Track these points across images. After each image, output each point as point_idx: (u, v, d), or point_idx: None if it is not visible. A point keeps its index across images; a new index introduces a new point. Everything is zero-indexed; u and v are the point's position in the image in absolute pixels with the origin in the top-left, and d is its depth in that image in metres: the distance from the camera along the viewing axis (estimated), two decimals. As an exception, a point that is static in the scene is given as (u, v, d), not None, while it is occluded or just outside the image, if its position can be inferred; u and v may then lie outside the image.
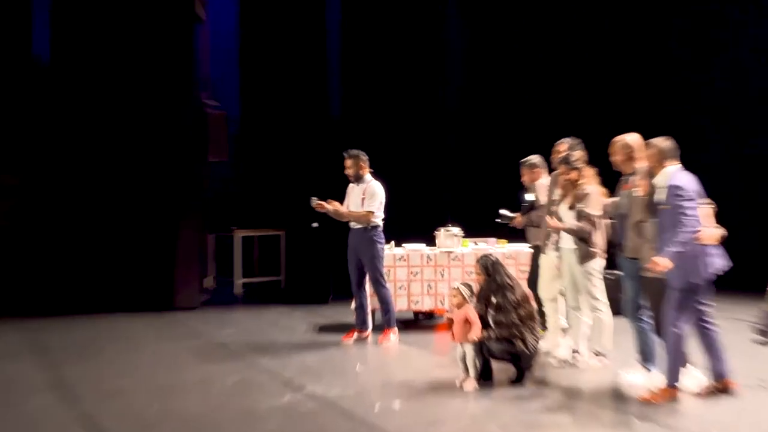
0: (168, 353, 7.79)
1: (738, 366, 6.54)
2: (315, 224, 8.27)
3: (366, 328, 8.30)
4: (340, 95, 12.74)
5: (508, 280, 6.47)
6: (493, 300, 6.44)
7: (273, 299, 11.16)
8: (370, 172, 8.27)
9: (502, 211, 7.80)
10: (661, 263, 5.54)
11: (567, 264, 7.00)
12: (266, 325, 9.26)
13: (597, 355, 6.96)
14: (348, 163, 8.21)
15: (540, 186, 7.72)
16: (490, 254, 6.68)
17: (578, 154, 7.04)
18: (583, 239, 6.81)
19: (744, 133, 12.26)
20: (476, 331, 6.36)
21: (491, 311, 6.45)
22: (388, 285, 8.23)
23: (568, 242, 6.95)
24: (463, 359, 6.48)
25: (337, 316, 9.69)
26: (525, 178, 7.82)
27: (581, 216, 6.82)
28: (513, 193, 8.17)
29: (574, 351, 7.12)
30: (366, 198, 8.10)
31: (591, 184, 6.92)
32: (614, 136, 6.59)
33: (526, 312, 6.41)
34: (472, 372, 6.40)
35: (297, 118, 12.01)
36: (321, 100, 12.16)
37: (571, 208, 6.88)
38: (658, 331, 6.03)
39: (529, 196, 7.70)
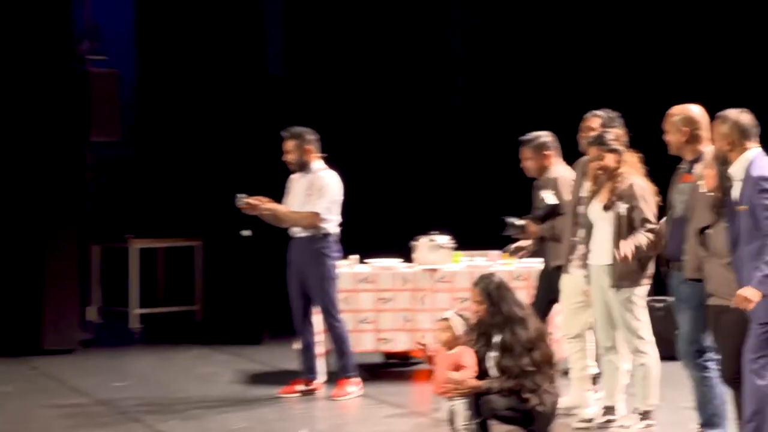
0: (29, 417, 7.69)
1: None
2: (246, 232, 8.23)
3: (314, 378, 8.33)
4: (283, 48, 12.72)
5: (519, 311, 6.53)
6: (497, 338, 6.48)
7: (185, 337, 11.22)
8: (322, 159, 8.23)
9: (510, 219, 7.69)
10: (749, 296, 5.48)
11: (599, 288, 6.94)
12: (174, 374, 9.27)
13: (640, 415, 6.91)
14: (288, 145, 8.20)
15: (561, 180, 7.69)
16: (493, 274, 6.73)
17: (616, 133, 7.00)
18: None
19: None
20: (471, 382, 6.36)
21: (493, 353, 6.49)
22: (342, 317, 8.25)
23: (600, 257, 6.89)
24: (452, 420, 6.48)
25: (274, 360, 9.72)
26: (529, 164, 7.81)
27: (635, 221, 6.76)
28: (524, 189, 8.10)
29: (607, 408, 7.09)
30: (312, 194, 8.10)
31: (634, 174, 6.87)
32: (667, 108, 6.54)
33: (542, 355, 6.46)
34: None
35: (219, 78, 12.02)
36: (255, 52, 12.21)
37: (607, 208, 6.83)
38: (730, 381, 5.97)
39: (547, 196, 7.64)
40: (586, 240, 7.05)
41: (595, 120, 7.39)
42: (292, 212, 8.12)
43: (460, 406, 6.41)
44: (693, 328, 6.30)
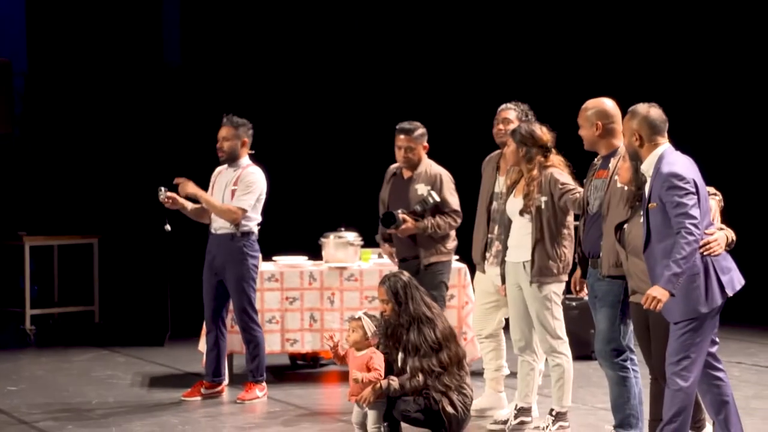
0: None
1: None
2: (168, 227, 8.11)
3: (220, 381, 8.28)
4: (180, 36, 12.64)
5: (426, 311, 6.53)
6: (404, 338, 6.47)
7: (82, 339, 11.16)
8: (250, 155, 8.20)
9: (398, 213, 7.59)
10: (658, 295, 5.46)
11: (515, 286, 6.91)
12: (71, 378, 9.18)
13: (555, 417, 6.91)
14: (226, 132, 8.10)
15: (446, 177, 7.71)
16: (402, 273, 6.72)
17: (538, 126, 6.97)
18: (556, 248, 6.79)
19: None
20: (377, 384, 6.37)
21: (402, 355, 6.49)
22: (258, 319, 8.22)
23: (518, 253, 6.85)
24: (362, 425, 6.50)
25: (178, 362, 9.70)
26: (405, 156, 7.71)
27: (560, 208, 6.75)
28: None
29: (522, 410, 7.11)
30: (239, 189, 8.02)
31: (553, 167, 6.85)
32: (579, 101, 6.55)
33: (450, 355, 6.47)
34: None
35: (114, 68, 11.96)
36: (151, 41, 12.18)
37: (526, 204, 6.77)
38: (663, 378, 5.96)
39: (427, 191, 7.57)
40: (504, 236, 7.01)
41: (510, 112, 7.39)
42: (219, 203, 7.99)
43: (373, 411, 6.39)
44: (610, 326, 6.31)
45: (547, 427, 6.88)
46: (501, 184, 7.29)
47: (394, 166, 7.89)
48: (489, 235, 7.37)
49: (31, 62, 12.61)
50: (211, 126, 8.33)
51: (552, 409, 6.94)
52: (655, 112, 5.83)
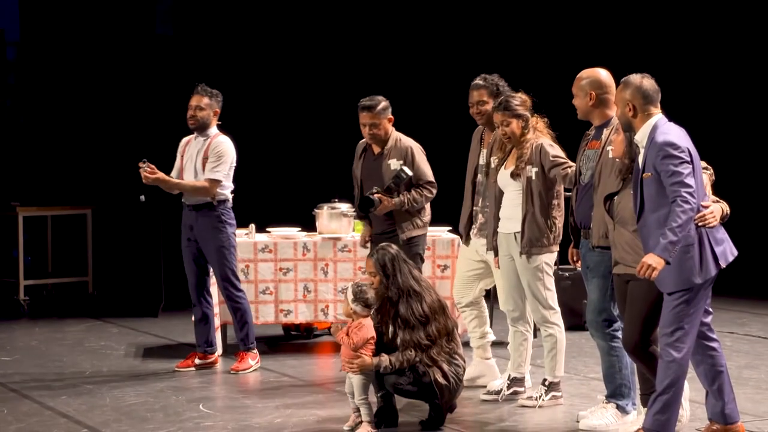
0: None
1: (753, 405, 6.60)
2: (142, 197, 8.08)
3: (212, 351, 8.29)
4: (172, 7, 12.65)
5: (414, 284, 6.50)
6: (395, 312, 6.46)
7: (76, 310, 11.17)
8: (218, 125, 8.16)
9: (372, 195, 7.56)
10: (653, 263, 5.47)
11: (507, 257, 6.95)
12: (65, 349, 9.18)
13: (547, 387, 6.94)
14: (201, 101, 8.05)
15: (417, 149, 7.65)
16: (390, 245, 6.67)
17: (521, 98, 6.97)
18: (548, 221, 6.81)
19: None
20: (367, 356, 6.37)
21: (392, 328, 6.47)
22: (242, 287, 8.16)
23: (510, 224, 6.87)
24: (353, 394, 6.49)
25: (171, 333, 9.72)
26: (371, 133, 7.65)
27: (550, 180, 6.77)
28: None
29: (515, 380, 7.14)
30: (210, 160, 7.96)
31: (542, 137, 6.85)
32: (572, 71, 6.53)
33: (439, 328, 6.44)
34: (365, 413, 6.38)
35: (107, 38, 11.89)
36: (143, 12, 12.09)
37: (516, 175, 6.81)
38: (632, 351, 5.99)
39: (400, 166, 7.54)
40: (496, 208, 7.02)
41: (482, 92, 7.31)
42: (190, 184, 7.95)
43: (359, 381, 6.38)
44: (601, 296, 6.33)
45: (540, 396, 6.91)
46: (485, 157, 7.31)
47: (363, 141, 7.81)
48: (474, 208, 7.38)
49: (24, 32, 12.54)
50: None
51: (545, 379, 6.97)
52: (648, 82, 5.82)
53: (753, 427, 6.27)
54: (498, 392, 7.13)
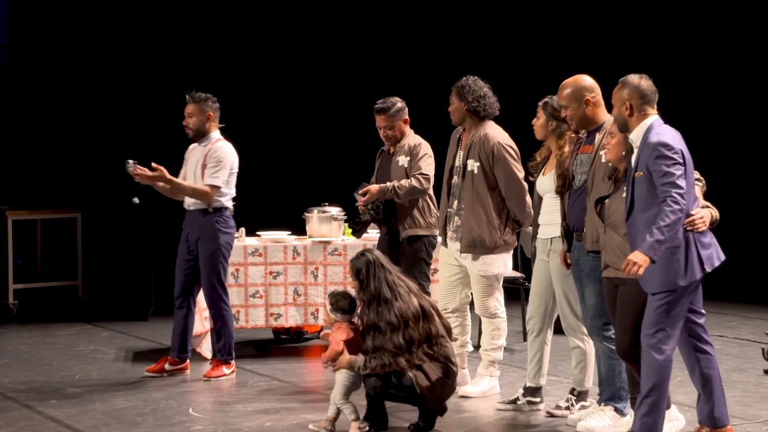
0: None
1: (742, 408, 6.61)
2: (136, 199, 8.03)
3: (185, 357, 8.20)
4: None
5: (387, 291, 6.41)
6: (366, 317, 6.44)
7: (66, 314, 11.18)
8: (219, 129, 8.11)
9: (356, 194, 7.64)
10: (638, 261, 5.48)
11: (544, 263, 6.88)
12: (55, 353, 9.18)
13: (576, 396, 6.88)
14: (190, 109, 8.02)
15: (425, 146, 7.69)
16: (370, 250, 6.62)
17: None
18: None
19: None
20: (342, 360, 6.39)
21: (368, 332, 6.45)
22: (227, 298, 8.08)
23: (549, 230, 6.82)
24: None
25: (161, 337, 9.70)
26: (386, 135, 7.75)
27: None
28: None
29: (532, 389, 7.04)
30: (208, 166, 7.92)
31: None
32: (555, 80, 6.59)
33: (413, 335, 6.35)
34: (348, 413, 6.40)
35: (98, 44, 11.86)
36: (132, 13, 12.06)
37: (558, 188, 6.69)
38: (624, 355, 6.00)
39: (405, 162, 7.64)
40: (536, 214, 6.99)
41: (453, 93, 7.36)
42: (190, 187, 7.90)
43: (341, 381, 6.40)
44: (599, 301, 6.31)
45: (569, 406, 6.82)
46: (461, 158, 7.31)
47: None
48: (448, 210, 7.37)
49: (12, 36, 12.54)
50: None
51: (573, 389, 6.88)
52: (646, 82, 5.86)
53: (742, 430, 6.30)
54: (515, 401, 7.03)
